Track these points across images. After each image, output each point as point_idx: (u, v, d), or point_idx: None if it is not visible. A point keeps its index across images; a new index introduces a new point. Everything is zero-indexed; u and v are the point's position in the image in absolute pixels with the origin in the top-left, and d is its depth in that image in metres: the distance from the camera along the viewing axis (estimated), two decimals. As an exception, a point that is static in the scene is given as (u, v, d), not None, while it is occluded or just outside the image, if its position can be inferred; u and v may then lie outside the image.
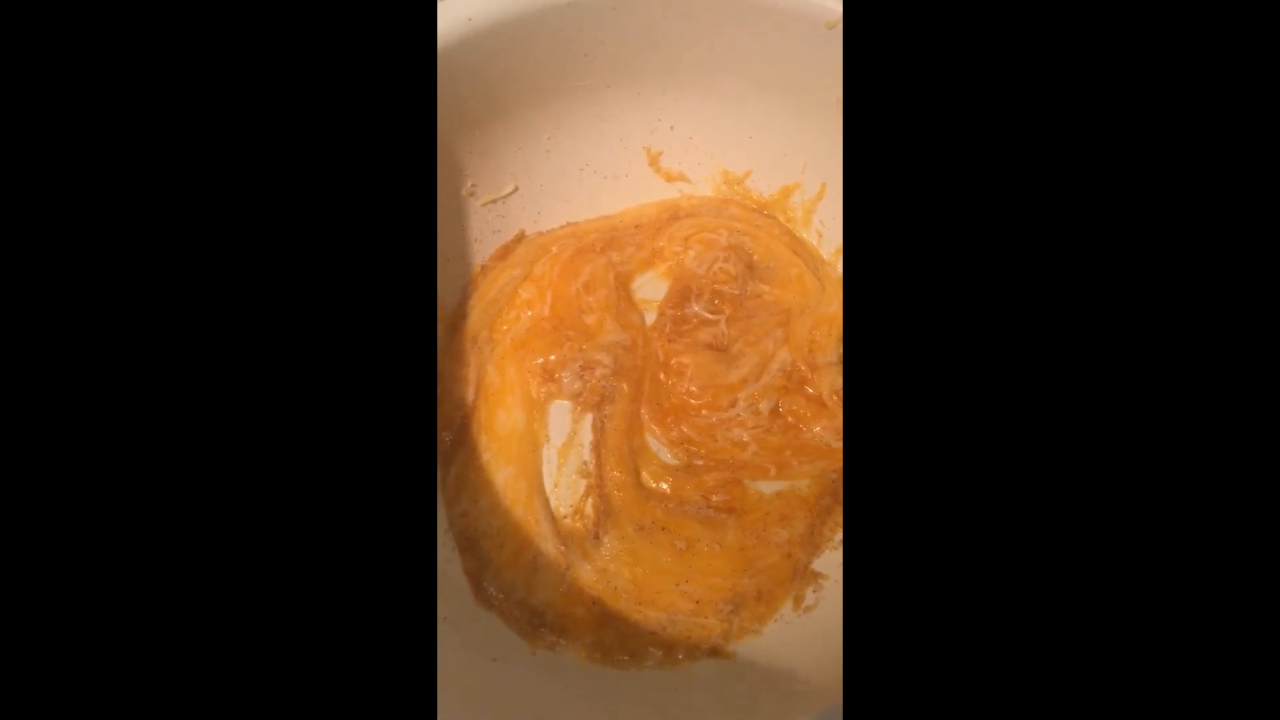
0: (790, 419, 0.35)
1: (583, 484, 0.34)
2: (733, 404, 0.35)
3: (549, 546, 0.33)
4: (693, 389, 0.35)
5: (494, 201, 0.38)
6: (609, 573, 0.32)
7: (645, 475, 0.34)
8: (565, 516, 0.34)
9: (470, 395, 0.36)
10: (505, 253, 0.38)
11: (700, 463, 0.34)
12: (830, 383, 0.35)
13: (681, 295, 0.37)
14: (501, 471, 0.34)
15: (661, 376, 0.36)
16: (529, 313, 0.37)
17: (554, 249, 0.38)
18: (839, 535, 0.33)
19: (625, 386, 0.35)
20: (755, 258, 0.38)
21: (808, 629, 0.31)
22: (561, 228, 0.39)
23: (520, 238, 0.39)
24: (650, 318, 0.37)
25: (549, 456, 0.35)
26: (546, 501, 0.34)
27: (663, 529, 0.33)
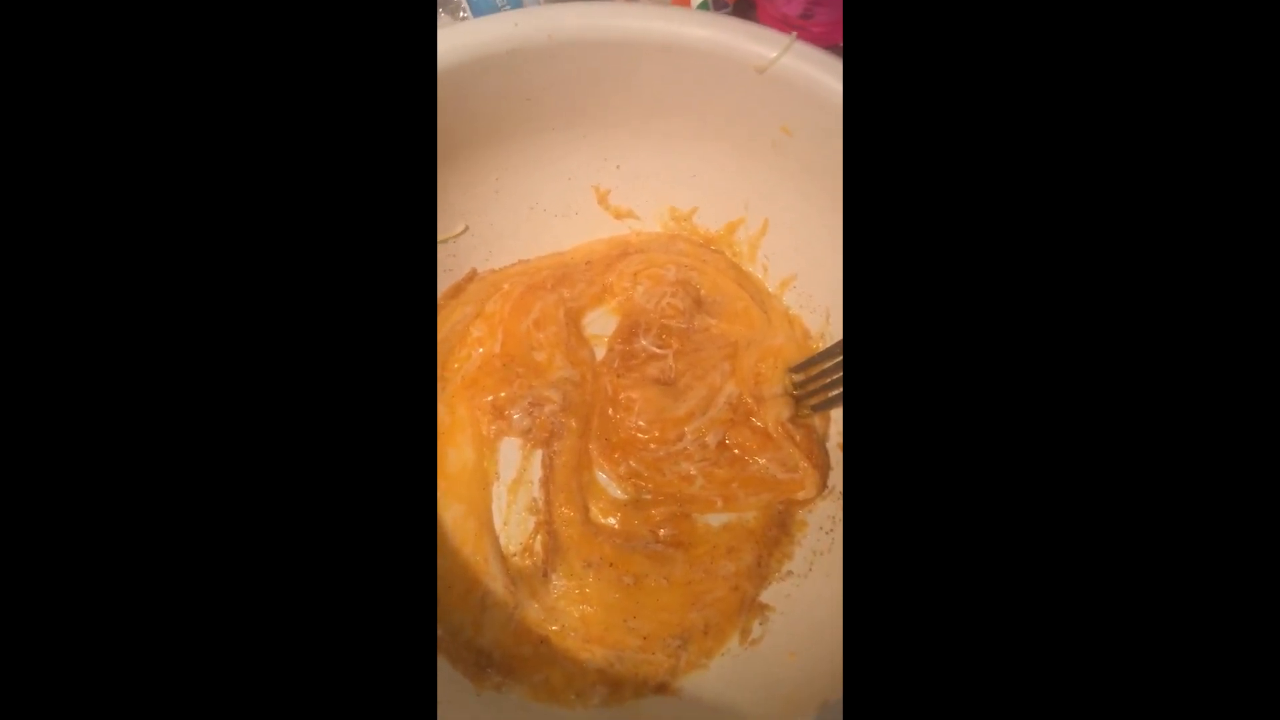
0: (736, 451, 0.35)
1: (532, 521, 0.34)
2: (680, 438, 0.35)
3: (498, 585, 0.33)
4: (640, 423, 0.35)
5: (444, 241, 0.38)
6: (557, 611, 0.32)
7: (594, 511, 0.34)
8: (514, 554, 0.34)
9: (421, 434, 0.36)
10: (457, 291, 0.39)
11: (648, 497, 0.35)
12: (775, 414, 0.35)
13: (630, 330, 0.38)
14: (452, 510, 0.34)
15: (610, 411, 0.36)
16: (480, 350, 0.37)
17: (505, 286, 0.39)
18: (786, 566, 0.34)
19: (574, 422, 0.35)
20: (703, 292, 0.39)
21: (752, 664, 0.31)
22: (513, 265, 0.40)
23: (472, 276, 0.39)
24: (600, 353, 0.38)
25: (499, 494, 0.35)
26: (496, 540, 0.34)
27: (611, 565, 0.33)
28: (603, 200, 0.39)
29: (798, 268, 0.38)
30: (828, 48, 0.31)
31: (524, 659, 0.31)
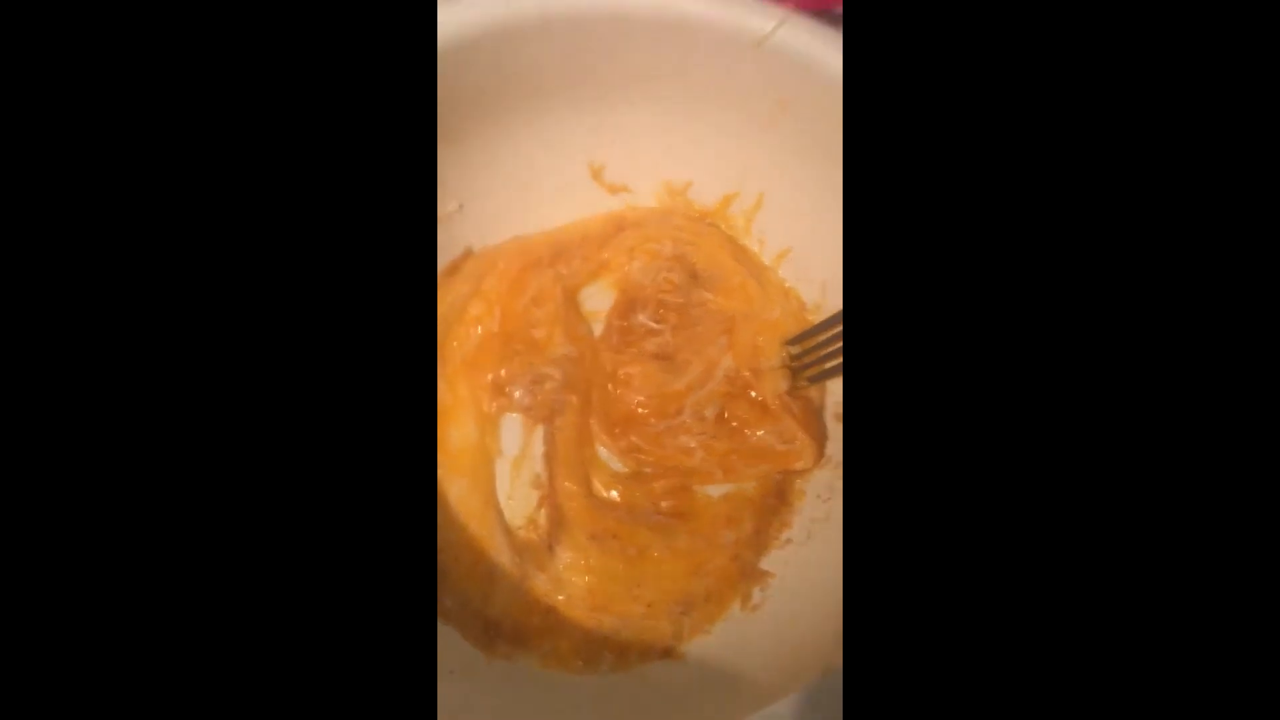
0: (735, 424, 0.36)
1: (535, 496, 0.35)
2: (679, 411, 0.36)
3: (504, 558, 0.33)
4: (640, 398, 0.36)
5: (439, 220, 0.38)
6: (563, 581, 0.33)
7: (596, 485, 0.35)
8: (519, 528, 0.34)
9: (423, 412, 0.36)
10: (454, 270, 0.39)
11: (649, 470, 0.35)
12: (772, 387, 0.36)
13: (628, 306, 0.38)
14: (456, 486, 0.35)
15: (610, 387, 0.37)
16: (479, 329, 0.38)
17: (502, 264, 0.39)
18: (785, 534, 0.35)
19: (574, 399, 0.36)
20: (699, 266, 0.39)
21: (755, 628, 0.32)
22: (509, 242, 0.40)
23: (468, 254, 0.39)
24: (598, 329, 0.38)
25: (502, 470, 0.35)
26: (501, 514, 0.35)
27: (614, 536, 0.34)
28: (597, 176, 0.39)
29: (793, 241, 0.38)
30: (821, 13, 0.31)
31: (532, 628, 0.32)
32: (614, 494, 0.35)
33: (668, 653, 0.32)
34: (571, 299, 0.39)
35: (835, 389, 0.37)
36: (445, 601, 0.33)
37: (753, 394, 0.36)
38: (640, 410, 0.36)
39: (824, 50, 0.30)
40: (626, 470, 0.35)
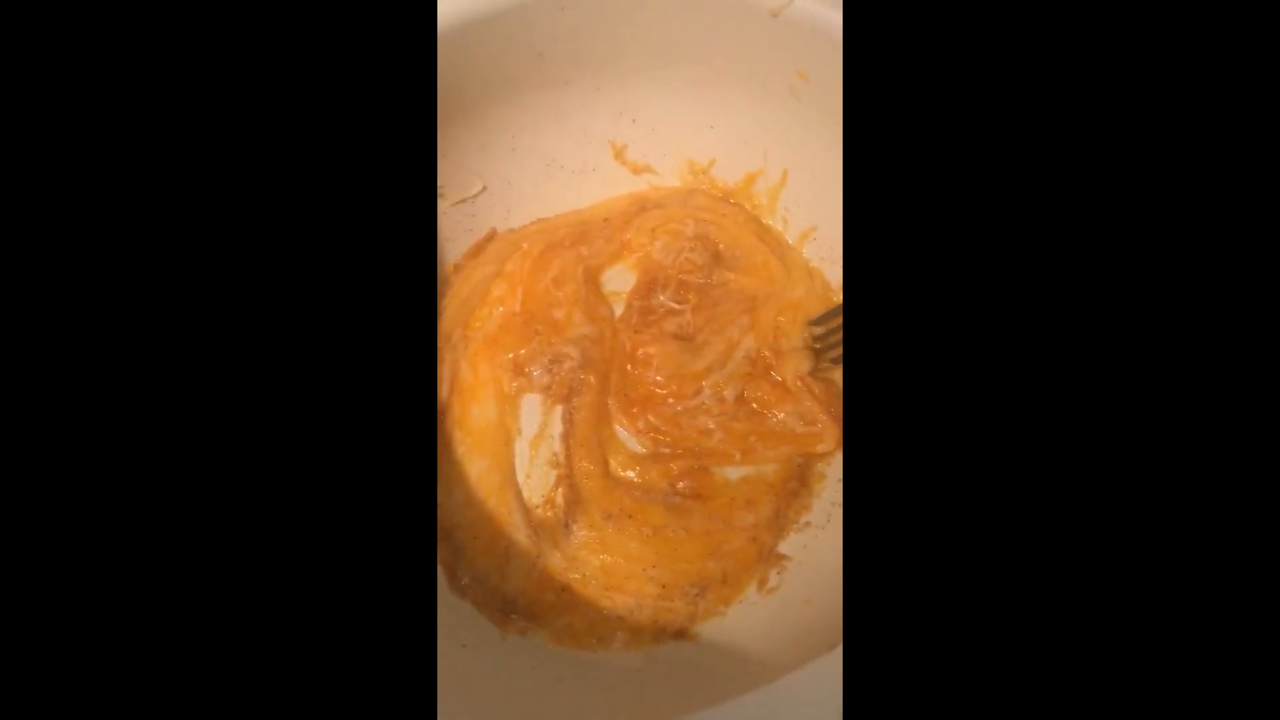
0: (755, 405, 0.35)
1: (553, 475, 0.35)
2: (698, 392, 0.35)
3: (521, 536, 0.34)
4: (659, 378, 0.36)
5: (463, 201, 0.38)
6: (578, 560, 0.33)
7: (613, 464, 0.35)
8: (537, 507, 0.35)
9: (445, 391, 0.37)
10: (477, 251, 0.39)
11: (667, 451, 0.35)
12: (794, 368, 0.35)
13: (648, 286, 0.38)
14: (475, 465, 0.35)
15: (629, 367, 0.36)
16: (501, 309, 0.38)
17: (524, 245, 0.39)
18: (804, 518, 0.34)
19: (593, 379, 0.36)
20: (721, 246, 0.38)
21: (771, 609, 0.31)
22: (531, 224, 0.40)
23: (491, 236, 0.40)
24: (619, 310, 0.38)
25: (521, 449, 0.36)
26: (519, 493, 0.35)
27: (630, 516, 0.33)
28: (619, 155, 0.39)
29: (818, 219, 0.37)
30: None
31: (547, 605, 0.32)
32: (631, 474, 0.35)
33: (681, 633, 0.32)
34: (593, 279, 0.39)
35: (860, 371, 0.36)
36: (462, 577, 0.33)
37: (774, 375, 0.35)
38: (659, 390, 0.36)
39: (840, 18, 0.29)
40: (644, 450, 0.35)
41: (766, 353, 0.36)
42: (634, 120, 0.38)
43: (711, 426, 0.35)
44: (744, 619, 0.31)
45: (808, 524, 0.34)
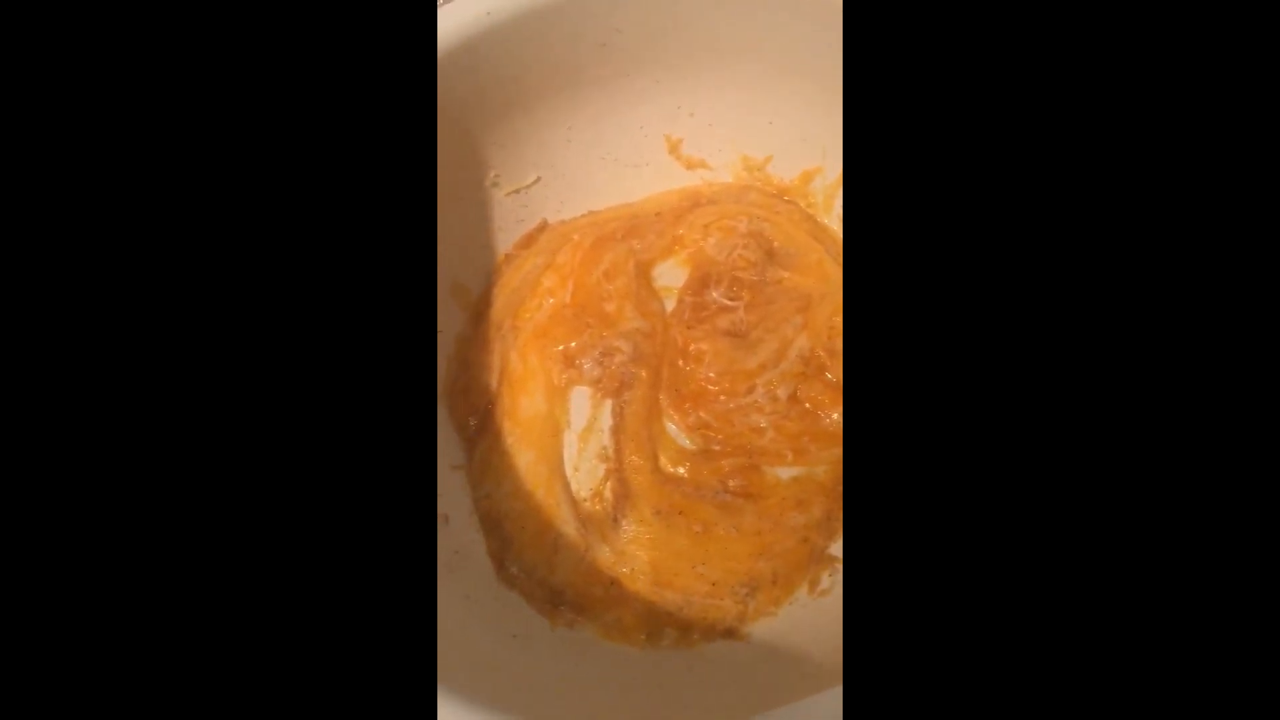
0: (808, 405, 0.35)
1: (602, 468, 0.35)
2: (751, 390, 0.35)
3: (569, 528, 0.34)
4: (711, 375, 0.35)
5: (516, 191, 0.38)
6: (627, 554, 0.33)
7: (663, 460, 0.35)
8: (585, 500, 0.34)
9: (494, 381, 0.37)
10: (529, 241, 0.39)
11: (718, 448, 0.35)
12: (849, 369, 0.34)
13: (701, 282, 0.37)
14: (524, 456, 0.35)
15: (680, 363, 0.36)
16: (551, 300, 0.38)
17: (576, 237, 0.39)
18: (857, 521, 0.33)
19: (644, 373, 0.36)
20: (775, 244, 0.38)
21: (823, 612, 0.31)
22: (583, 216, 0.40)
23: (543, 227, 0.39)
24: (670, 305, 0.38)
25: (570, 441, 0.35)
26: (567, 485, 0.35)
27: (680, 513, 0.33)
28: (674, 149, 0.39)
29: (875, 218, 0.37)
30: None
31: (595, 599, 0.32)
32: (681, 470, 0.34)
33: (731, 633, 0.31)
34: (644, 274, 0.38)
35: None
36: (511, 569, 0.33)
37: (828, 375, 0.35)
38: (710, 387, 0.35)
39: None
40: (694, 447, 0.35)
41: (820, 353, 0.35)
42: (691, 114, 0.38)
43: (764, 425, 0.34)
44: (796, 620, 0.31)
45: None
